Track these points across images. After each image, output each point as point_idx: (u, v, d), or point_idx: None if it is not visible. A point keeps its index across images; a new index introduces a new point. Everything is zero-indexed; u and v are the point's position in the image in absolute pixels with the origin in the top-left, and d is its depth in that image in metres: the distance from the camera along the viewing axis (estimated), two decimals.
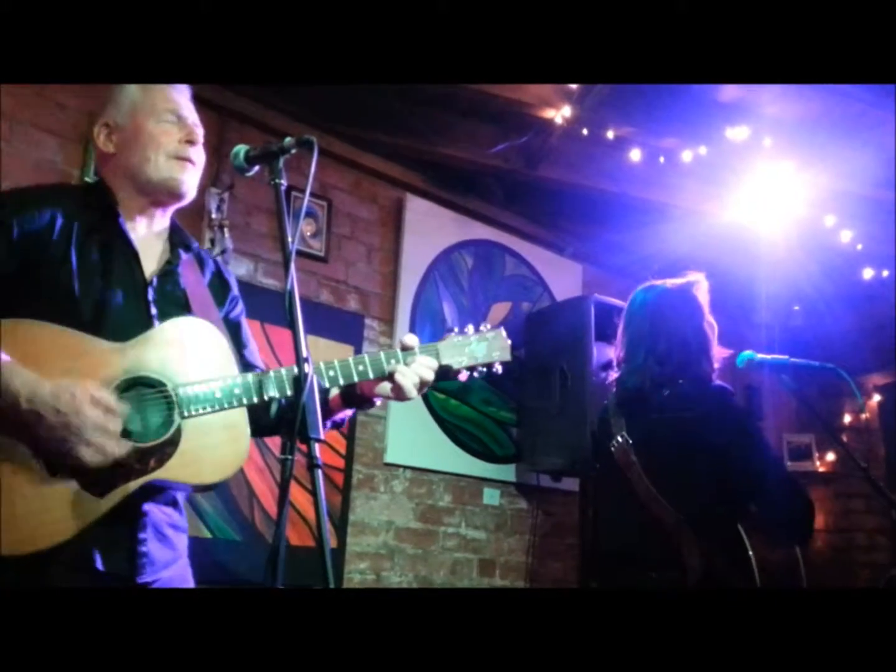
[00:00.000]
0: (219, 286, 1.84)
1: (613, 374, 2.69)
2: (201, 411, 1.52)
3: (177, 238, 1.77)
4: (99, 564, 1.50)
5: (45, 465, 1.46)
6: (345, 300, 3.95)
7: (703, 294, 2.67)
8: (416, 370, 1.70)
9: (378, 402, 1.80)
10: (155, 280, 1.67)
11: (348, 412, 1.83)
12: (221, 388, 1.53)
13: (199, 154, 1.73)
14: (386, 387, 1.73)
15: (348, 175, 4.06)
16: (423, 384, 1.72)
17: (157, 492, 1.57)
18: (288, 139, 1.51)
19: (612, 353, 2.76)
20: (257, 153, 1.56)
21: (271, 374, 1.57)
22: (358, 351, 3.86)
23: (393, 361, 1.70)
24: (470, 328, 1.79)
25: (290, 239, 1.44)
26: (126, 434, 1.47)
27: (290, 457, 1.30)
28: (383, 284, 4.11)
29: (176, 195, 1.71)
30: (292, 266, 1.41)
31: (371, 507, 3.85)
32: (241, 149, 1.59)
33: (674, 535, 2.37)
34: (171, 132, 1.69)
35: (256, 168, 1.60)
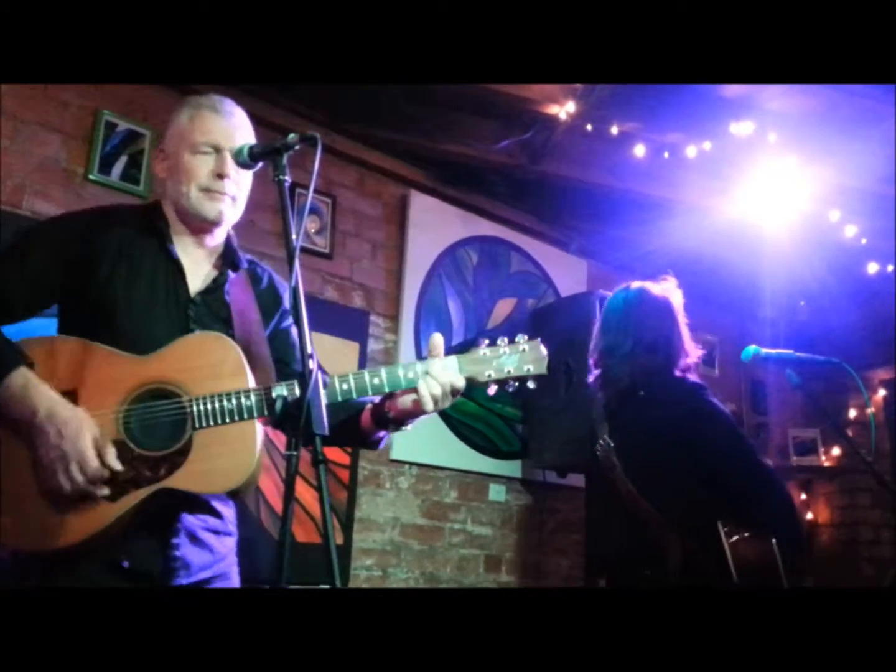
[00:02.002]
0: (270, 300, 1.86)
1: (592, 377, 2.68)
2: (213, 423, 1.55)
3: (228, 256, 1.82)
4: (133, 567, 1.56)
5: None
6: (349, 297, 3.95)
7: (676, 296, 2.68)
8: (430, 384, 1.60)
9: (409, 426, 1.71)
10: (198, 297, 1.72)
11: (382, 433, 1.77)
12: (233, 400, 1.56)
13: (232, 185, 1.73)
14: (406, 399, 1.66)
15: (352, 172, 4.06)
16: (439, 398, 1.60)
17: (187, 497, 1.59)
18: (291, 136, 1.51)
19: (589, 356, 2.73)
20: (261, 150, 1.56)
21: (277, 389, 1.56)
22: (363, 348, 3.87)
23: (411, 374, 1.62)
24: (504, 340, 1.65)
25: (294, 236, 1.44)
26: (139, 443, 1.55)
27: (295, 453, 1.30)
28: (388, 281, 4.11)
29: (212, 223, 1.75)
30: (297, 263, 1.41)
31: (377, 504, 3.85)
32: (244, 145, 1.59)
33: (659, 534, 2.39)
34: (203, 165, 1.72)
35: (260, 165, 1.61)
